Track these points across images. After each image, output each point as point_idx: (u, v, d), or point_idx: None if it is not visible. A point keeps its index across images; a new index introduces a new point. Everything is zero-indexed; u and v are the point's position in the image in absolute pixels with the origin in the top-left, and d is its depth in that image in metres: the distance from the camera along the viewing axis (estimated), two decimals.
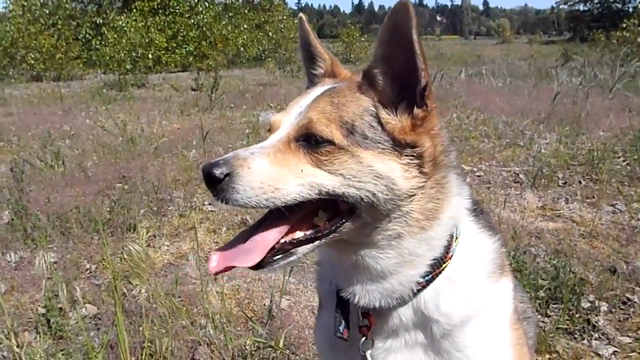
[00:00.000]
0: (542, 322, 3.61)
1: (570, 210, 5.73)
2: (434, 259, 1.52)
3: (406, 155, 1.45)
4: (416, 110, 1.46)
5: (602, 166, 6.96)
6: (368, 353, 1.57)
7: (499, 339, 1.62)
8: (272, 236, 1.45)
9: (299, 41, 1.86)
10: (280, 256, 1.45)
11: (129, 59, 25.48)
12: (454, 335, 1.55)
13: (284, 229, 1.45)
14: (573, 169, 7.18)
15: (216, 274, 1.44)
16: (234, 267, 1.42)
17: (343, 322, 1.59)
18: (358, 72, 1.62)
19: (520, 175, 6.91)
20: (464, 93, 13.73)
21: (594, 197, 6.05)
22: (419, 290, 1.53)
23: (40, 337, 3.55)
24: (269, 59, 30.87)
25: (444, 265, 1.53)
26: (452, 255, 1.55)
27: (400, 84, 1.47)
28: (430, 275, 1.52)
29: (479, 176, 7.09)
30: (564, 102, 11.14)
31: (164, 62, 30.01)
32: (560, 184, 6.63)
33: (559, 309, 3.69)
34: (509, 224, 5.09)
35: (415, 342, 1.57)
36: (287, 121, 1.54)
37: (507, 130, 9.61)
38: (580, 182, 6.64)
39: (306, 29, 1.80)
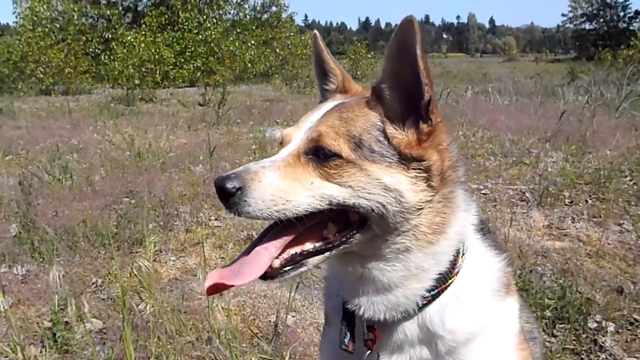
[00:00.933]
0: (549, 342, 3.59)
1: (576, 229, 5.71)
2: (439, 274, 1.53)
3: (413, 169, 1.47)
4: (421, 125, 1.49)
5: (609, 185, 6.94)
6: None
7: (504, 358, 1.62)
8: (274, 247, 1.47)
9: (312, 57, 1.90)
10: (290, 267, 1.48)
11: (137, 74, 25.70)
12: (459, 352, 1.56)
13: (284, 240, 1.47)
14: (579, 187, 7.16)
15: (210, 293, 1.46)
16: (231, 286, 1.44)
17: (348, 334, 1.61)
18: (369, 88, 1.65)
19: (527, 194, 6.90)
20: (470, 111, 13.77)
21: (600, 217, 6.03)
22: (424, 305, 1.54)
23: (46, 351, 3.56)
24: (276, 75, 31.10)
25: (450, 281, 1.55)
26: (458, 271, 1.56)
27: (407, 99, 1.49)
28: (436, 290, 1.53)
29: (485, 194, 7.09)
30: (570, 121, 11.14)
31: (171, 77, 30.27)
32: (566, 203, 6.62)
33: (566, 329, 3.66)
34: (515, 243, 5.08)
35: (420, 358, 1.58)
36: (297, 135, 1.58)
37: (513, 149, 9.61)
38: (586, 201, 6.62)
39: (320, 45, 1.84)
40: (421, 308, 1.54)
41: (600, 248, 5.08)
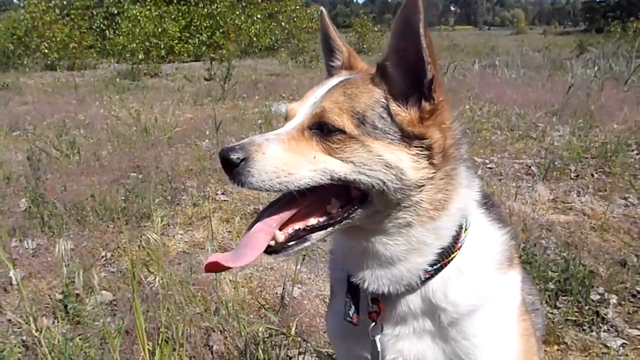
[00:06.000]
0: (551, 313, 3.64)
1: (582, 203, 5.72)
2: (442, 248, 1.56)
3: (415, 147, 1.49)
4: (424, 103, 1.50)
5: (615, 159, 6.92)
6: (377, 338, 1.63)
7: (506, 329, 1.66)
8: (275, 222, 1.49)
9: (319, 34, 1.90)
10: (294, 242, 1.51)
11: (142, 48, 25.56)
12: (462, 324, 1.60)
13: (286, 214, 1.50)
14: (586, 161, 7.14)
15: (207, 271, 1.49)
16: (229, 267, 1.47)
17: (353, 307, 1.65)
18: (374, 65, 1.66)
19: (532, 168, 6.90)
20: (477, 84, 13.65)
21: (606, 190, 6.03)
22: (427, 279, 1.57)
23: (58, 322, 3.64)
24: (282, 49, 30.85)
25: (452, 255, 1.58)
26: (461, 246, 1.59)
27: (411, 77, 1.50)
28: (439, 265, 1.57)
29: (490, 168, 7.09)
30: (578, 95, 11.05)
31: (177, 51, 30.10)
32: (572, 177, 6.61)
33: (569, 301, 3.71)
34: (520, 217, 5.10)
35: (424, 330, 1.62)
36: (302, 110, 1.59)
37: (520, 123, 9.57)
38: (592, 175, 6.61)
39: (326, 22, 1.84)
40: (424, 281, 1.58)
41: (605, 221, 5.10)
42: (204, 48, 30.90)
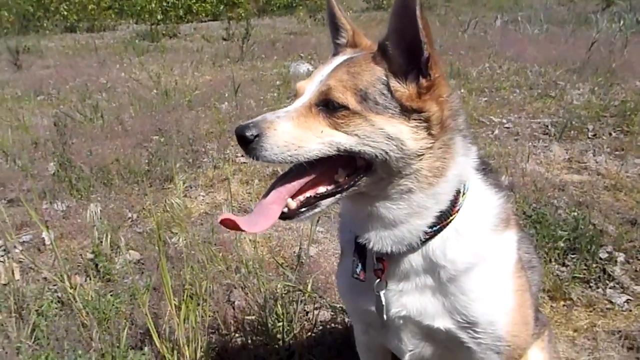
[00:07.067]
0: (560, 271, 3.76)
1: (597, 162, 5.72)
2: (440, 212, 1.70)
3: (414, 119, 1.61)
4: (421, 80, 1.62)
5: (634, 118, 6.86)
6: (382, 293, 1.80)
7: (501, 285, 1.81)
8: (286, 191, 1.64)
9: (326, 13, 2.01)
10: (306, 208, 1.66)
11: (160, 8, 25.40)
12: (460, 280, 1.75)
13: (297, 184, 1.64)
14: (604, 120, 7.07)
15: (223, 224, 1.62)
16: (244, 230, 1.61)
17: (360, 265, 1.82)
18: (375, 42, 1.77)
19: (549, 127, 6.88)
20: (497, 41, 13.39)
21: (622, 150, 6.02)
22: (427, 239, 1.72)
23: (90, 279, 3.88)
24: (300, 7, 30.38)
25: (450, 218, 1.72)
26: (459, 209, 1.73)
27: (410, 55, 1.61)
28: (438, 226, 1.71)
29: (507, 128, 7.08)
30: (601, 51, 10.79)
31: (194, 11, 29.85)
32: (589, 136, 6.58)
33: (577, 259, 3.81)
34: (533, 177, 5.16)
35: (425, 285, 1.78)
36: (309, 88, 1.72)
37: (540, 81, 9.43)
38: (610, 134, 6.57)
39: (332, 1, 1.94)
40: (424, 242, 1.73)
41: (619, 181, 5.13)
42: (221, 7, 30.57)
